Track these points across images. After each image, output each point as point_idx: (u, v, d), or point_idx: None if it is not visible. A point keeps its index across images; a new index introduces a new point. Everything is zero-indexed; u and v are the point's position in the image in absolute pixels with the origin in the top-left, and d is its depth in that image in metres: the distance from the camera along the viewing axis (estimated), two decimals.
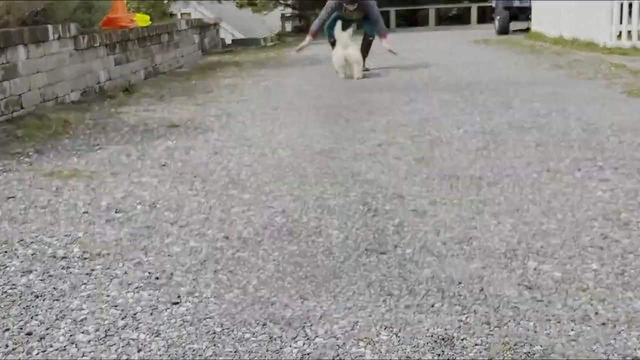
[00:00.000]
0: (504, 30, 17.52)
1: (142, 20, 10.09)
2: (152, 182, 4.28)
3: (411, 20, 28.84)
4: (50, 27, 7.32)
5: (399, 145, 5.10)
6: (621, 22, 11.60)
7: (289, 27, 30.21)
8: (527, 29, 18.55)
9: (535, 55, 11.66)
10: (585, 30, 12.25)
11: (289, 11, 31.46)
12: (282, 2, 30.37)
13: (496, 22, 18.14)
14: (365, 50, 10.47)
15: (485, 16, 27.58)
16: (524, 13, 17.45)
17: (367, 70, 10.37)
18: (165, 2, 11.64)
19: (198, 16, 31.28)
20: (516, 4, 17.01)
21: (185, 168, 4.62)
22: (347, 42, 9.52)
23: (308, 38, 10.13)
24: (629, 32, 11.55)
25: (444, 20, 28.39)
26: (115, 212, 3.70)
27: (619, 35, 11.62)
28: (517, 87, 7.99)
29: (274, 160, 4.76)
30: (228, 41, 24.12)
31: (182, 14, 29.76)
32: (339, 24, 9.85)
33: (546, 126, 5.60)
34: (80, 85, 8.14)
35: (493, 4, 19.49)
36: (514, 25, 18.19)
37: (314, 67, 11.52)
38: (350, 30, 9.73)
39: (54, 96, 7.37)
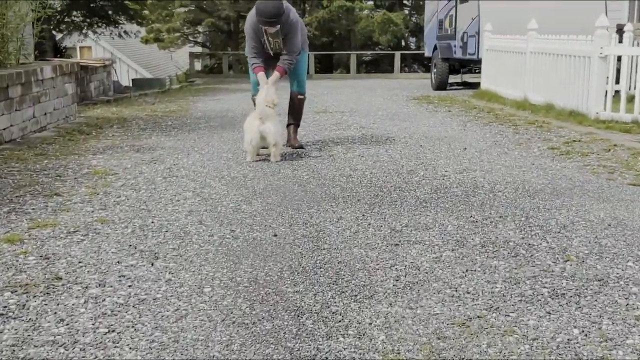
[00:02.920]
0: (442, 86, 14.48)
1: None
2: None
3: (327, 64, 25.68)
4: None
5: None
6: (617, 82, 8.61)
7: (198, 65, 26.56)
8: (464, 83, 15.63)
9: (511, 127, 8.53)
10: (565, 94, 9.23)
11: (199, 49, 27.80)
12: (191, 39, 26.70)
13: (433, 76, 15.07)
14: (295, 115, 7.09)
15: (404, 64, 24.78)
16: (465, 66, 14.45)
17: (301, 147, 6.95)
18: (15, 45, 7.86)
19: (99, 50, 27.23)
20: (457, 55, 13.97)
21: None
22: (266, 112, 6.14)
23: (261, 74, 6.56)
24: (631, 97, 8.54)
25: (360, 65, 25.39)
26: None
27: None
28: (546, 203, 4.74)
29: None
30: (127, 81, 20.29)
31: (80, 48, 25.68)
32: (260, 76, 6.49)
33: None
34: None
35: (426, 53, 16.48)
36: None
37: (225, 134, 8.03)
38: (272, 91, 6.34)
39: None
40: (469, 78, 15.59)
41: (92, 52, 27.11)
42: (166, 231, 4.03)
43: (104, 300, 2.97)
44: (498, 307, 2.92)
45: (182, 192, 5.03)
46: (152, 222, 4.23)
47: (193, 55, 24.89)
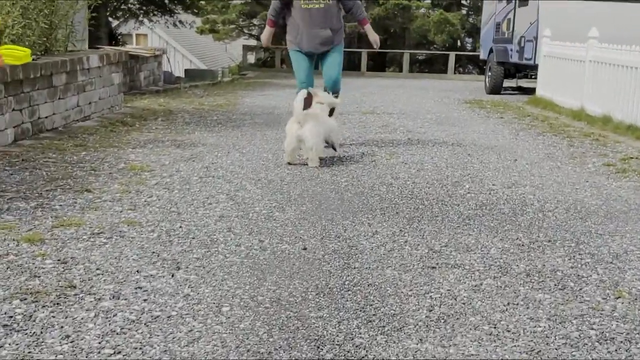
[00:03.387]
0: (496, 90, 14.04)
1: (14, 56, 6.26)
2: None
3: (379, 62, 25.28)
4: None
5: None
6: None
7: (252, 58, 26.47)
8: (519, 88, 15.14)
9: (565, 139, 8.12)
10: (623, 106, 8.78)
11: (253, 42, 27.70)
12: (246, 31, 26.61)
13: (487, 79, 14.64)
14: (331, 113, 6.75)
15: (459, 64, 24.27)
16: (521, 71, 13.98)
17: (340, 146, 6.70)
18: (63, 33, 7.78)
19: (155, 39, 27.37)
20: (513, 59, 13.52)
21: None
22: (310, 113, 5.92)
23: (268, 30, 6.85)
24: None
25: (413, 64, 24.93)
26: None
27: None
28: (599, 227, 4.41)
29: None
30: (180, 71, 20.31)
31: (136, 35, 25.85)
32: (301, 59, 6.32)
33: None
34: None
35: (481, 55, 16.04)
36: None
37: (269, 133, 7.83)
38: (322, 95, 6.16)
39: None
40: (524, 83, 15.10)
41: (148, 40, 27.27)
42: (193, 238, 3.84)
43: (115, 315, 2.78)
44: (540, 351, 2.63)
45: (216, 195, 4.84)
46: (180, 226, 4.04)
47: (247, 48, 24.79)
